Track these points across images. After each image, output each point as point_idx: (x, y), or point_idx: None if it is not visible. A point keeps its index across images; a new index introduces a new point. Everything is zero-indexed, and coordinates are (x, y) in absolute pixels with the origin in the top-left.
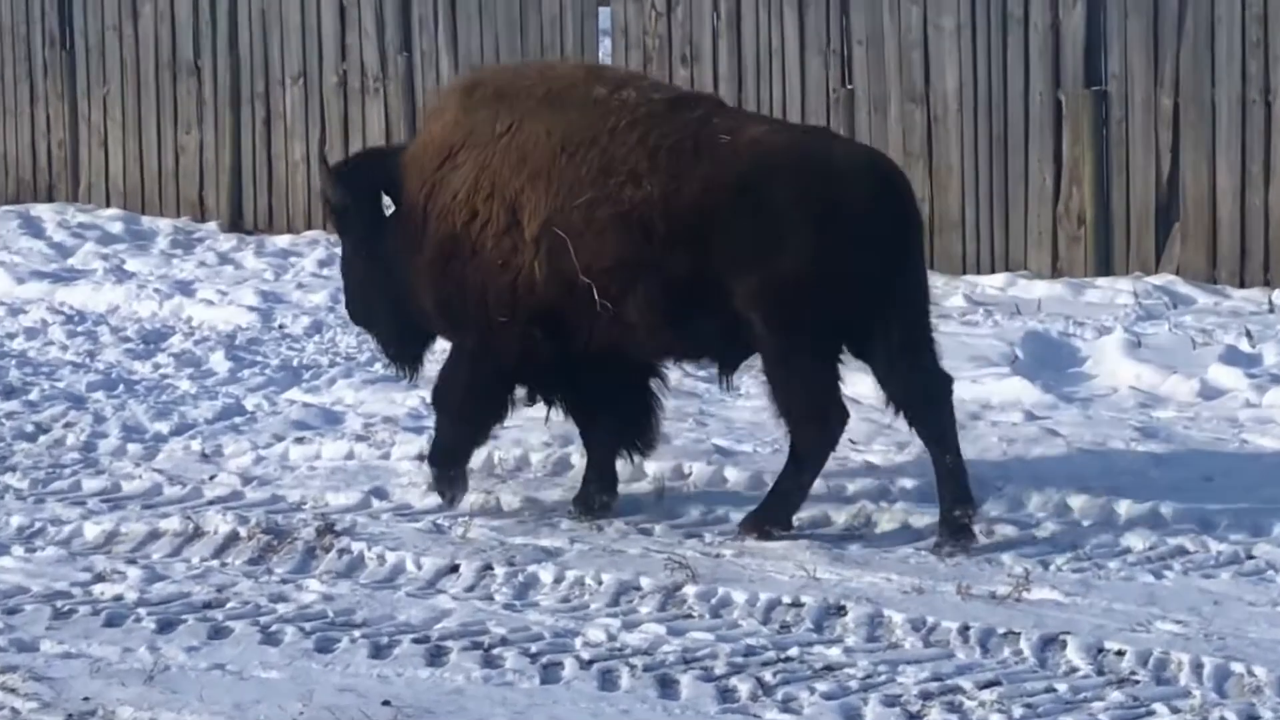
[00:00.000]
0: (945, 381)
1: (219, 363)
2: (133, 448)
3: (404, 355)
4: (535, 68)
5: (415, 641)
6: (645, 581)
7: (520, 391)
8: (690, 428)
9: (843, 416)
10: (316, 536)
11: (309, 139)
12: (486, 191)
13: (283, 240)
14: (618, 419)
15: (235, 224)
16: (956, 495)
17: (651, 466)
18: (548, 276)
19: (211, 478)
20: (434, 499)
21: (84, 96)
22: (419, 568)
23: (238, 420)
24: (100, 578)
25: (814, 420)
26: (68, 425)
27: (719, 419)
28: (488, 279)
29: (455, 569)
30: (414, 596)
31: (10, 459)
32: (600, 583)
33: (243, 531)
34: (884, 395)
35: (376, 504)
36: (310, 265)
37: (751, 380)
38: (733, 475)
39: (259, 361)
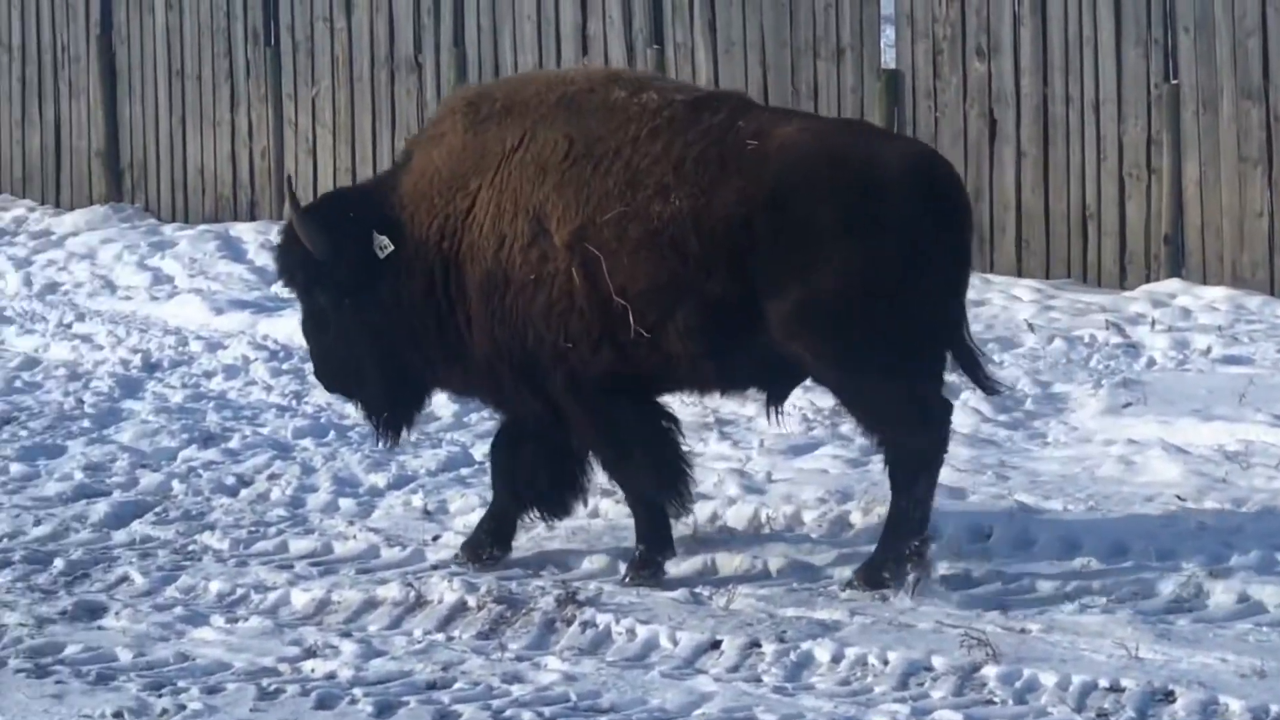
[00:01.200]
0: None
1: (442, 406)
2: (345, 503)
3: (396, 418)
4: (545, 74)
5: None
6: (938, 661)
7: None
8: (989, 481)
9: (945, 408)
10: (556, 607)
11: None
12: (511, 213)
13: None
14: (537, 474)
15: None
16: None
17: (946, 526)
18: (587, 291)
19: (435, 538)
20: (689, 565)
21: (289, 98)
22: (674, 644)
23: (464, 471)
24: (310, 653)
25: (917, 422)
26: (272, 477)
27: (1023, 472)
28: (529, 303)
29: (716, 645)
30: (669, 677)
31: (209, 516)
32: (885, 662)
33: (471, 600)
34: None
35: (625, 569)
36: None
37: (1060, 426)
38: (1041, 536)
39: None
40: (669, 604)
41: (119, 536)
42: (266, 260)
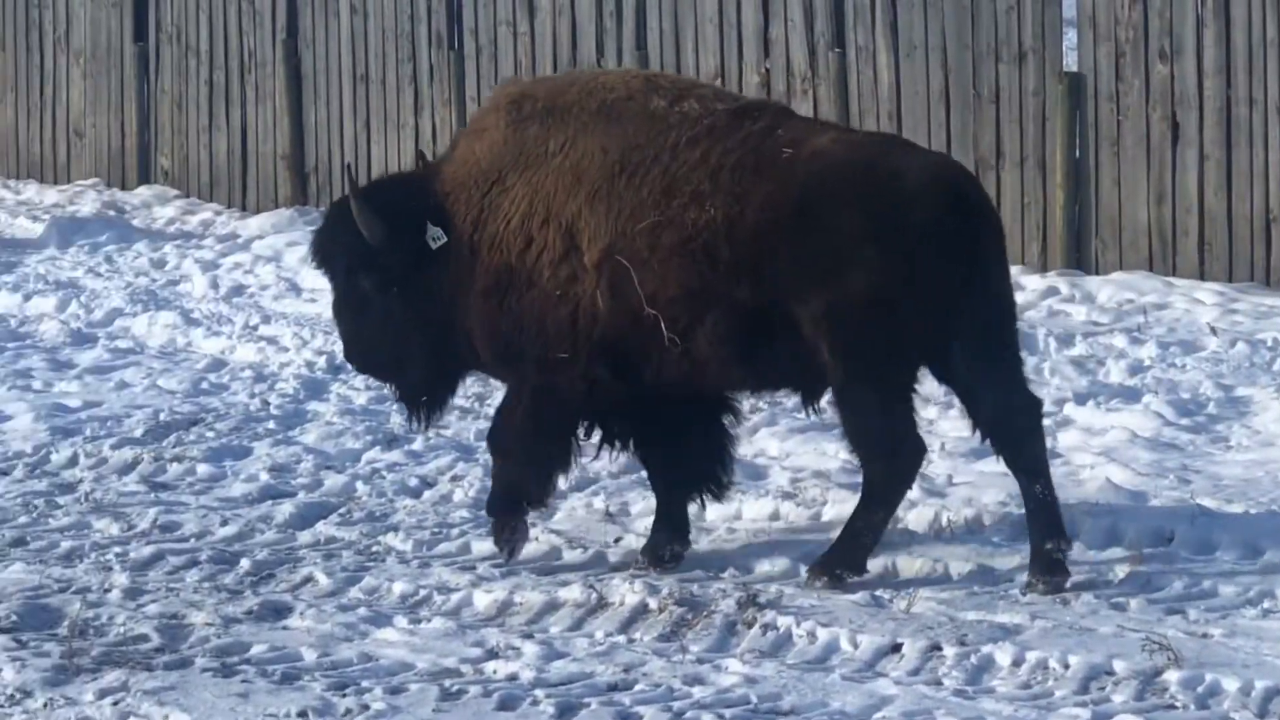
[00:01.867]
0: (1034, 405)
1: None
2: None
3: (433, 402)
4: (585, 77)
5: None
6: (1119, 665)
7: (582, 430)
8: (1171, 484)
9: (918, 451)
10: (737, 609)
11: None
12: (541, 217)
13: None
14: (688, 459)
15: None
16: (1048, 529)
17: (1127, 530)
18: (611, 308)
19: (617, 540)
20: (871, 567)
21: (473, 102)
22: (855, 647)
23: (645, 474)
24: (493, 654)
25: (885, 455)
26: (455, 479)
27: (1205, 475)
28: (546, 311)
29: (897, 649)
30: (849, 680)
31: (392, 517)
32: (1066, 666)
33: (653, 603)
34: (970, 421)
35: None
36: None
37: (1243, 430)
38: (1224, 540)
39: None
40: (850, 607)
41: (304, 537)
42: None
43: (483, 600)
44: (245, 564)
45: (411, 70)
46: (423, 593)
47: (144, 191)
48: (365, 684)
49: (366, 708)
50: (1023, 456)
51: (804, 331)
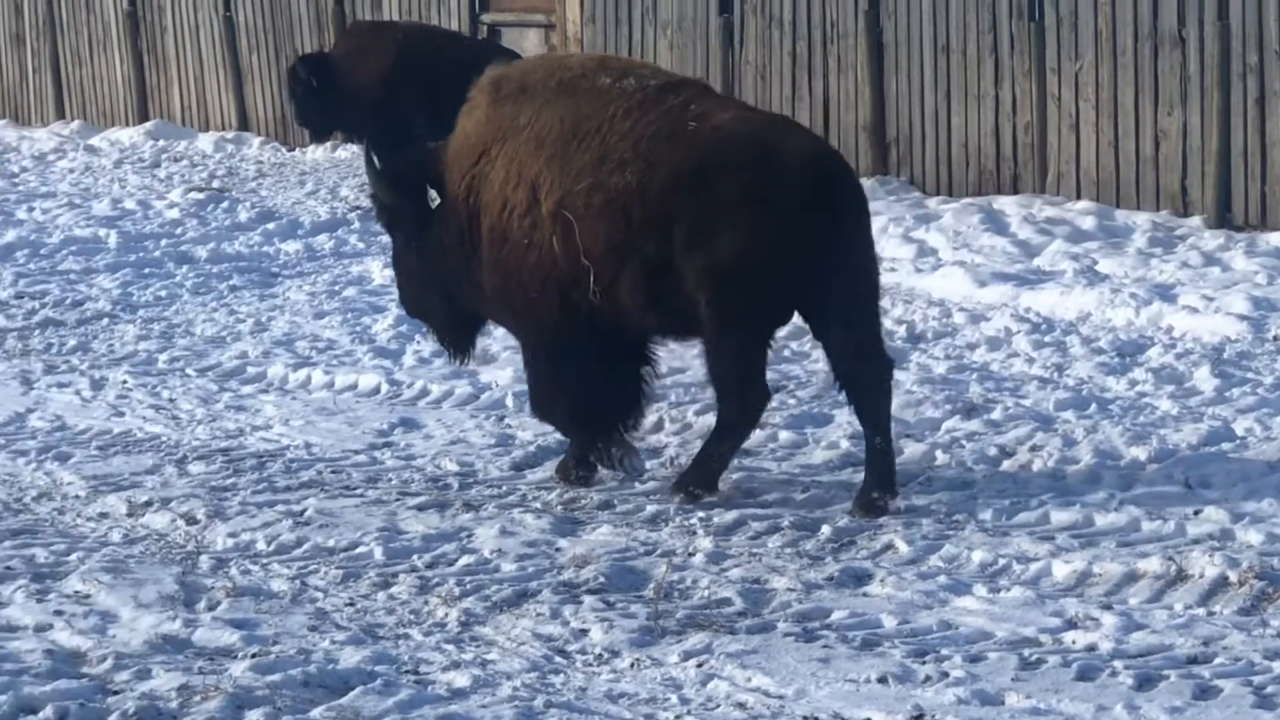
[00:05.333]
0: (886, 366)
1: (1204, 379)
2: (1107, 475)
3: (459, 343)
4: (551, 60)
5: None
6: None
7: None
8: None
9: (762, 396)
10: None
11: None
12: (514, 181)
13: (1277, 238)
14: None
15: (1223, 219)
16: (880, 479)
17: None
18: (563, 252)
19: (1196, 512)
20: None
21: (1053, 73)
22: None
23: (1225, 447)
24: (1071, 624)
25: (738, 397)
26: (1034, 449)
27: None
28: (521, 259)
29: None
30: None
31: (972, 486)
32: None
33: (1232, 576)
34: (832, 376)
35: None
36: None
37: None
38: None
39: (1250, 379)
40: None
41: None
42: (1030, 234)
43: (1061, 570)
44: (826, 530)
45: (992, 41)
46: (1001, 562)
47: None
48: (944, 651)
49: (945, 675)
50: (869, 410)
51: (687, 285)
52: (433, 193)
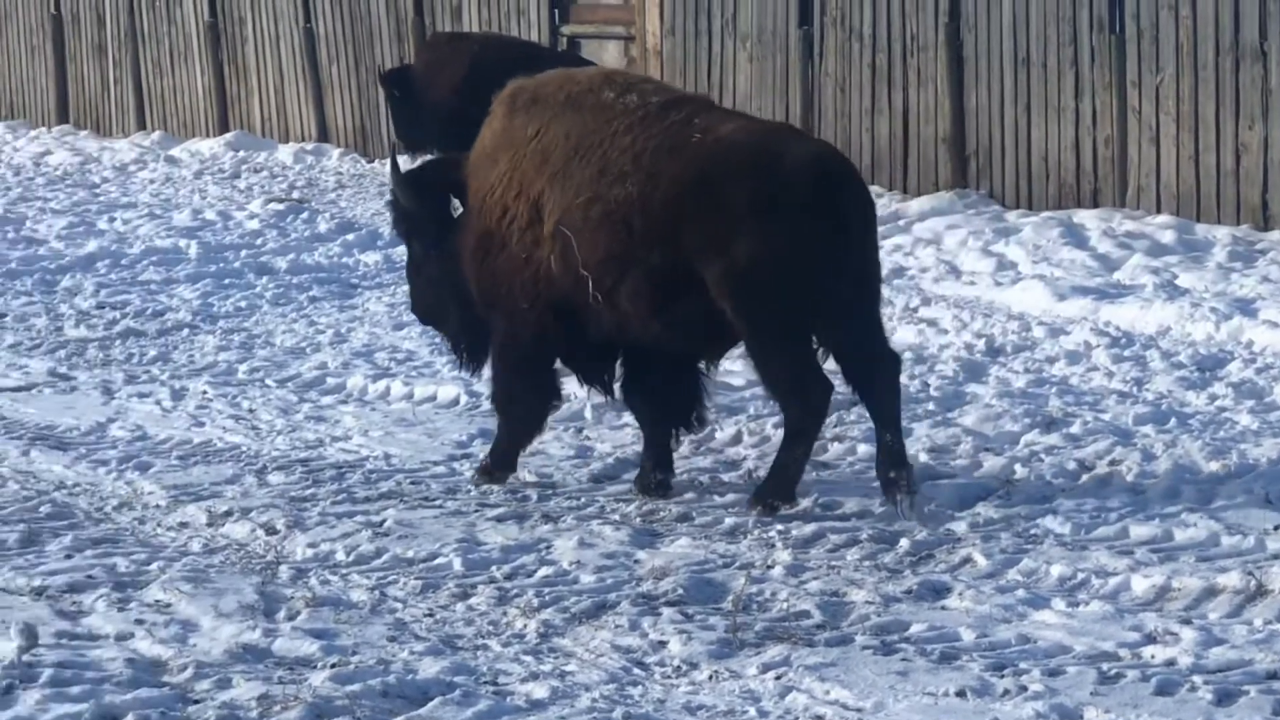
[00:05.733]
0: (894, 363)
1: None
2: (1186, 490)
3: (471, 350)
4: (563, 74)
5: None
6: None
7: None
8: None
9: (824, 389)
10: None
11: None
12: (516, 190)
13: None
14: (664, 402)
15: None
16: (893, 461)
17: None
18: (560, 270)
19: (1276, 527)
20: None
21: (1133, 86)
22: None
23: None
24: (1150, 639)
25: (797, 395)
26: (1113, 463)
27: None
28: (515, 271)
29: None
30: None
31: (1051, 500)
32: None
33: None
34: (841, 373)
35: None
36: None
37: None
38: None
39: None
40: None
41: (962, 518)
42: (1109, 248)
43: (1140, 585)
44: (904, 544)
45: (1072, 53)
46: (1080, 576)
47: None
48: (1022, 665)
49: (1024, 689)
50: (881, 408)
51: (711, 293)
52: (456, 201)
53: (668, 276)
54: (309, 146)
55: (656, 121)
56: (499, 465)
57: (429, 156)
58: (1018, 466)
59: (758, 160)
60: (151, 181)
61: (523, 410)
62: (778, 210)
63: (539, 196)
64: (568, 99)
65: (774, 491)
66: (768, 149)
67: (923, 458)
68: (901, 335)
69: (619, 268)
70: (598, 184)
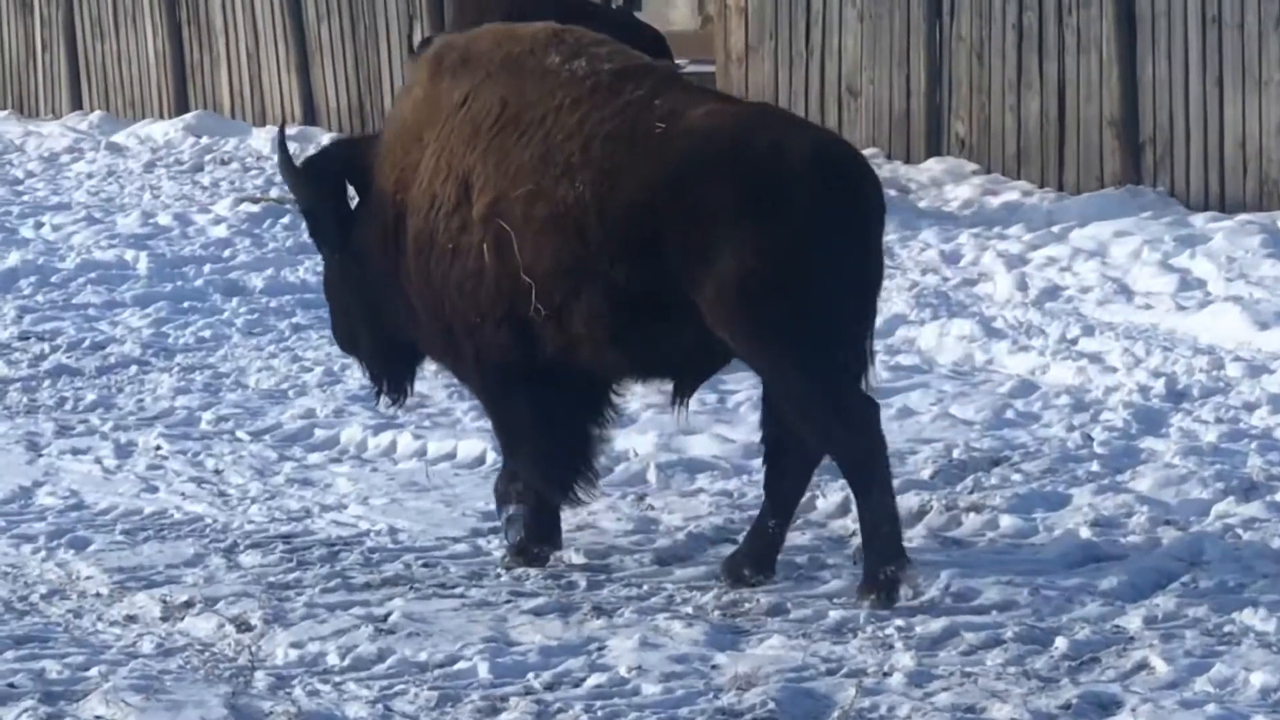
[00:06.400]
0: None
1: None
2: None
3: (391, 379)
4: (501, 29)
5: None
6: None
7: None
8: None
9: (866, 406)
10: None
11: None
12: (444, 174)
13: None
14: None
15: None
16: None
17: None
18: (496, 266)
19: None
20: None
21: None
22: None
23: None
24: None
25: (838, 427)
26: None
27: None
28: (448, 270)
29: None
30: None
31: (1248, 589)
32: None
33: None
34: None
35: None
36: None
37: None
38: None
39: None
40: None
41: (1135, 612)
42: None
43: None
44: (1061, 644)
45: (1276, 10)
46: None
47: (933, 166)
48: None
49: None
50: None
51: (706, 316)
52: (351, 191)
53: (636, 298)
54: (292, 130)
55: (610, 98)
56: (535, 539)
57: None
58: (1207, 544)
59: (749, 154)
60: (90, 176)
61: (536, 449)
62: (781, 215)
63: (468, 174)
64: (505, 59)
65: (883, 558)
66: (760, 139)
67: (1084, 533)
68: (1056, 374)
69: (571, 282)
70: (541, 174)
